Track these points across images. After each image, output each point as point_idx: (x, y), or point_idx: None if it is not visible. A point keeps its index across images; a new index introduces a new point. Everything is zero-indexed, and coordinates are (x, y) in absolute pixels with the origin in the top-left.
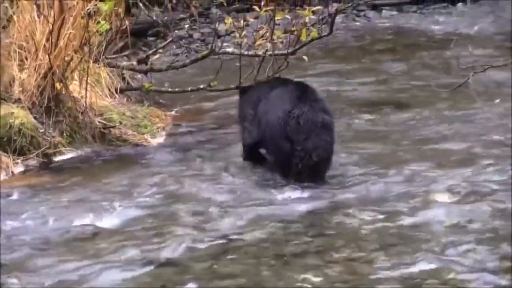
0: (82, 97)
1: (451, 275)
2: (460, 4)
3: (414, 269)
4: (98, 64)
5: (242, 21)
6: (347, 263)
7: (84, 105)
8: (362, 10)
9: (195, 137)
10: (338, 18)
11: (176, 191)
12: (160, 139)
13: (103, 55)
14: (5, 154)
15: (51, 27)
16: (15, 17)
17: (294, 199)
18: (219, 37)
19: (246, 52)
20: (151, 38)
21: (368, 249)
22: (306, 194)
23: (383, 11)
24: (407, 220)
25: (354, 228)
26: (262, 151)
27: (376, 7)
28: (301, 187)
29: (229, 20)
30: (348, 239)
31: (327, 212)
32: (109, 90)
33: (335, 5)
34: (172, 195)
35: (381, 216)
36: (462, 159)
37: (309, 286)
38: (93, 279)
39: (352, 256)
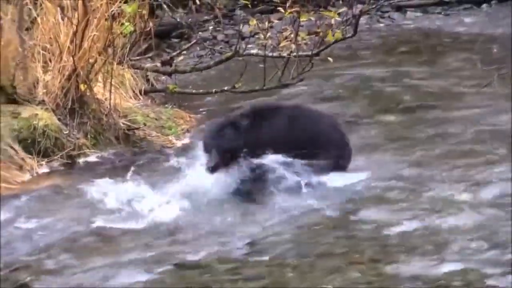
0: (106, 99)
1: (476, 276)
2: (484, 6)
3: (439, 270)
4: (122, 66)
5: (266, 23)
6: (371, 265)
7: (108, 106)
8: (387, 12)
9: None
10: (362, 20)
11: (201, 193)
12: (184, 141)
13: (127, 57)
14: (30, 155)
15: (75, 29)
16: (39, 19)
17: (317, 201)
18: (243, 38)
19: (270, 54)
20: (175, 40)
21: (391, 250)
22: (329, 196)
23: (408, 12)
24: (431, 221)
25: (377, 229)
26: None
27: (400, 9)
28: (324, 189)
29: (253, 21)
30: (371, 240)
31: (350, 214)
32: (133, 91)
33: (360, 6)
34: (197, 196)
35: (405, 217)
36: (487, 160)
37: (333, 287)
38: (115, 279)
39: (376, 257)
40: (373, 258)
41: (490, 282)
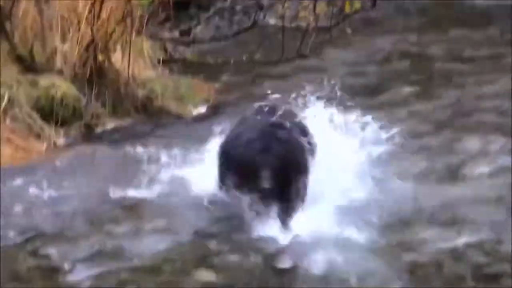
0: (124, 68)
1: (495, 247)
2: None
3: (458, 241)
4: (141, 36)
5: None
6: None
7: (127, 76)
8: None
9: (237, 108)
10: None
11: None
12: (202, 110)
13: (145, 27)
14: (48, 124)
15: None
16: None
17: None
18: (261, 9)
19: (288, 25)
20: (194, 10)
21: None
22: None
23: None
24: (449, 193)
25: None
26: None
27: None
28: None
29: None
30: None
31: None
32: (152, 62)
33: None
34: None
35: (424, 188)
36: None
37: None
38: (133, 248)
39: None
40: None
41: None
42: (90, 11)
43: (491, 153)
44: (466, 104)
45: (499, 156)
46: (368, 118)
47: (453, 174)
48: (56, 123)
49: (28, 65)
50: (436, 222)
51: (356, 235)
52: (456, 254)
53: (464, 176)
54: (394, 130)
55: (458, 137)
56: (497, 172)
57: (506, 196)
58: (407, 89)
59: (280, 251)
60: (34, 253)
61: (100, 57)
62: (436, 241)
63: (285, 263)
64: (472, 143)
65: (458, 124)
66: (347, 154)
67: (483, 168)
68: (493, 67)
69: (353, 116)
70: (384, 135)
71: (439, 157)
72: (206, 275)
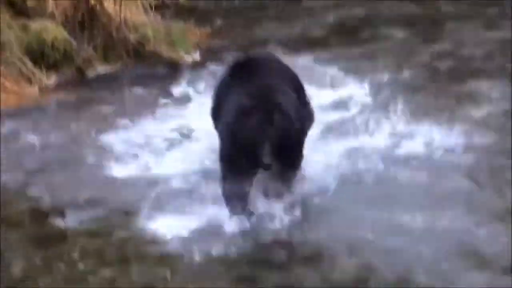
0: (116, 13)
1: None
2: None
3: None
4: None
5: None
6: None
7: (119, 21)
8: None
9: (230, 53)
10: None
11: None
12: (195, 56)
13: None
14: (39, 68)
15: None
16: None
17: None
18: None
19: None
20: None
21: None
22: None
23: None
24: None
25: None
26: None
27: None
28: None
29: None
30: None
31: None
32: (144, 6)
33: None
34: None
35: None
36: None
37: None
38: (125, 193)
39: None
40: None
41: None
42: None
43: None
44: None
45: None
46: None
47: None
48: (47, 67)
49: (19, 9)
50: None
51: None
52: None
53: None
54: None
55: None
56: None
57: None
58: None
59: None
60: (25, 197)
61: (91, 1)
62: None
63: None
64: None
65: None
66: None
67: None
68: None
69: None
70: None
71: None
72: None
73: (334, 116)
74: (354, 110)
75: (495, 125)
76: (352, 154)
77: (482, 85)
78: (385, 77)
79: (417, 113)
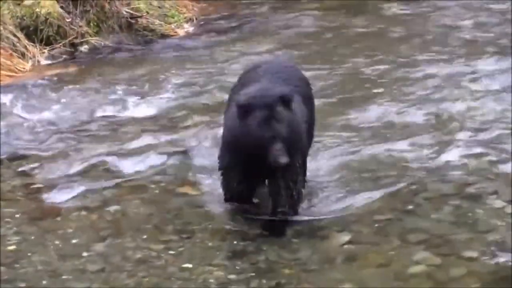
0: None
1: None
2: None
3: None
4: None
5: None
6: None
7: None
8: None
9: (222, 26)
10: None
11: (202, 82)
12: (187, 29)
13: None
14: (32, 43)
15: None
16: None
17: None
18: None
19: None
20: None
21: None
22: None
23: None
24: None
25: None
26: None
27: None
28: None
29: None
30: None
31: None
32: None
33: None
34: (198, 83)
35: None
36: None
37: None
38: (118, 166)
39: None
40: None
41: None
42: None
43: None
44: None
45: None
46: None
47: None
48: (41, 42)
49: None
50: None
51: None
52: None
53: None
54: None
55: None
56: None
57: None
58: None
59: None
60: (18, 172)
61: None
62: None
63: None
64: None
65: None
66: None
67: None
68: None
69: None
70: None
71: None
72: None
73: None
74: None
75: None
76: None
77: None
78: None
79: None
